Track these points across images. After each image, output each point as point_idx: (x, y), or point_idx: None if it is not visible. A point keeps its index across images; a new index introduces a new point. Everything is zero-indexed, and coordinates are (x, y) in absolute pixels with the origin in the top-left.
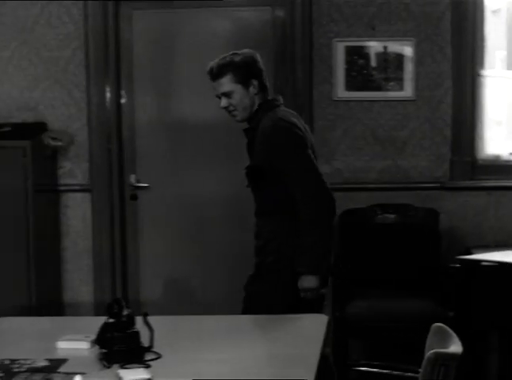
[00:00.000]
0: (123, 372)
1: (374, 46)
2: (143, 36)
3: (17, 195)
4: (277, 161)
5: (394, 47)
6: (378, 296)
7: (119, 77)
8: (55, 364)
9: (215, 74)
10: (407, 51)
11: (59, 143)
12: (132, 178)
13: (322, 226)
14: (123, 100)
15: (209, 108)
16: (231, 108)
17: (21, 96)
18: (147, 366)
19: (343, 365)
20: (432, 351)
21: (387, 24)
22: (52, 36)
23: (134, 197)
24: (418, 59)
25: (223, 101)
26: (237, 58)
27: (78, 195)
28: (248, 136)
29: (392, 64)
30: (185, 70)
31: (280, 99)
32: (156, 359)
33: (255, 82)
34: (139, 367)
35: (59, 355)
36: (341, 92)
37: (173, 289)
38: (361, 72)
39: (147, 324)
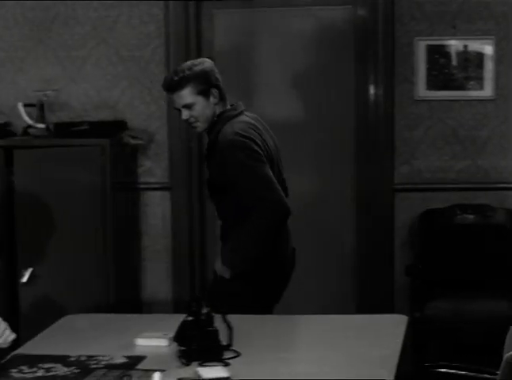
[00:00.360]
0: (202, 370)
1: (455, 45)
2: (224, 35)
3: (96, 194)
4: (232, 174)
5: (474, 45)
6: (457, 297)
7: None
8: (134, 361)
9: (175, 86)
10: (488, 49)
11: (139, 142)
12: None
13: (270, 231)
14: None
15: (290, 106)
16: (192, 119)
17: (99, 95)
18: (226, 365)
19: (422, 366)
20: (510, 354)
21: (468, 22)
22: (132, 35)
23: None
24: (498, 58)
25: (184, 114)
26: (196, 69)
27: (158, 193)
28: (208, 146)
29: (473, 63)
30: (267, 68)
31: (241, 106)
32: (235, 357)
33: (215, 92)
34: (218, 365)
35: (138, 352)
36: (423, 91)
37: None
38: (442, 71)
39: (225, 322)
